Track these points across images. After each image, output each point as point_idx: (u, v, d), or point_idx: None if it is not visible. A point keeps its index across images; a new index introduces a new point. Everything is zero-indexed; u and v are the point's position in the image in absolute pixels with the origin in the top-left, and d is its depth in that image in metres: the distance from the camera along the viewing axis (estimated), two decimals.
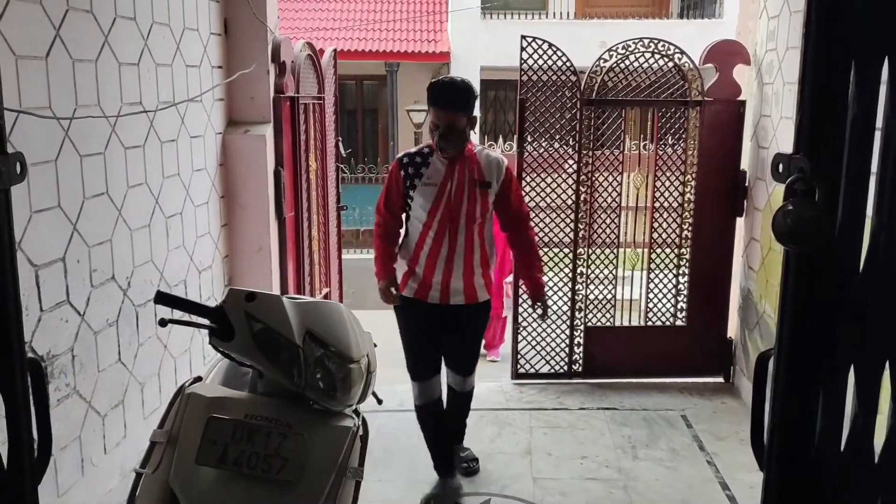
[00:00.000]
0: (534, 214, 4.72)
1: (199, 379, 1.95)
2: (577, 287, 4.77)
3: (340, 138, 5.84)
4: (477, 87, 10.39)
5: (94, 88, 2.97)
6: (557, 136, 4.68)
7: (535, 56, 4.55)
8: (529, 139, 4.68)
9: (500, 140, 9.80)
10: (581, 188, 4.68)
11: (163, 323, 1.88)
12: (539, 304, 3.37)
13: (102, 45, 3.02)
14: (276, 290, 4.60)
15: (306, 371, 1.78)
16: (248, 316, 1.80)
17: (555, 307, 4.81)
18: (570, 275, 4.77)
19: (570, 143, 4.68)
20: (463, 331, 3.34)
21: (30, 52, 2.56)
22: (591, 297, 4.80)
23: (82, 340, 2.88)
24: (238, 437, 1.69)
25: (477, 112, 3.23)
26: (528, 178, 4.71)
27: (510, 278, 6.30)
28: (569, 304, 4.79)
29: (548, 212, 4.74)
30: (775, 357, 1.20)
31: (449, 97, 3.09)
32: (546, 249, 4.78)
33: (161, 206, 3.57)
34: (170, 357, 3.70)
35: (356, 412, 1.89)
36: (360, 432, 1.89)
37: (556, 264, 4.80)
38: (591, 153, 4.65)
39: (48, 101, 2.65)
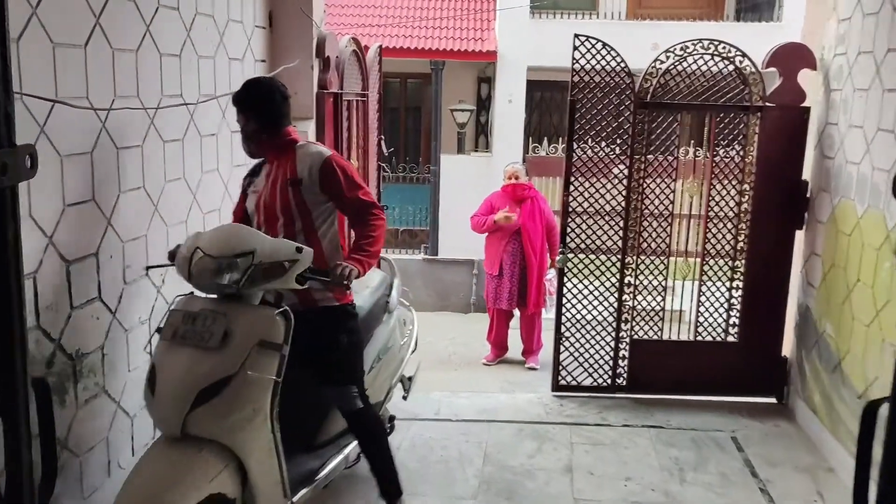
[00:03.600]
0: (581, 220, 4.55)
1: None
2: (623, 297, 4.57)
3: (383, 137, 5.72)
4: (524, 86, 10.23)
5: (133, 79, 2.87)
6: (609, 140, 4.48)
7: (588, 56, 4.36)
8: (579, 142, 4.49)
9: (545, 142, 9.59)
10: (632, 195, 4.48)
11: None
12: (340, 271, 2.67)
13: (144, 35, 2.93)
14: None
15: (189, 268, 2.55)
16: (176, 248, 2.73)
17: (600, 318, 4.63)
18: (616, 284, 4.58)
19: (622, 146, 4.48)
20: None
21: (68, 40, 2.47)
22: (639, 307, 4.59)
23: (113, 339, 2.80)
24: (186, 321, 2.46)
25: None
26: (576, 183, 4.52)
27: (550, 275, 6.11)
28: (615, 314, 4.60)
29: (595, 217, 4.56)
30: (890, 406, 1.02)
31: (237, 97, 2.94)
32: (592, 256, 4.60)
33: (199, 201, 3.48)
34: None
35: (279, 306, 2.58)
36: (282, 318, 2.50)
37: (603, 273, 4.61)
38: (643, 158, 4.45)
39: (86, 90, 2.56)
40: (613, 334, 4.61)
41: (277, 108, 2.91)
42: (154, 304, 3.09)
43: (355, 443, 3.12)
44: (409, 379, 3.73)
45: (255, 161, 3.07)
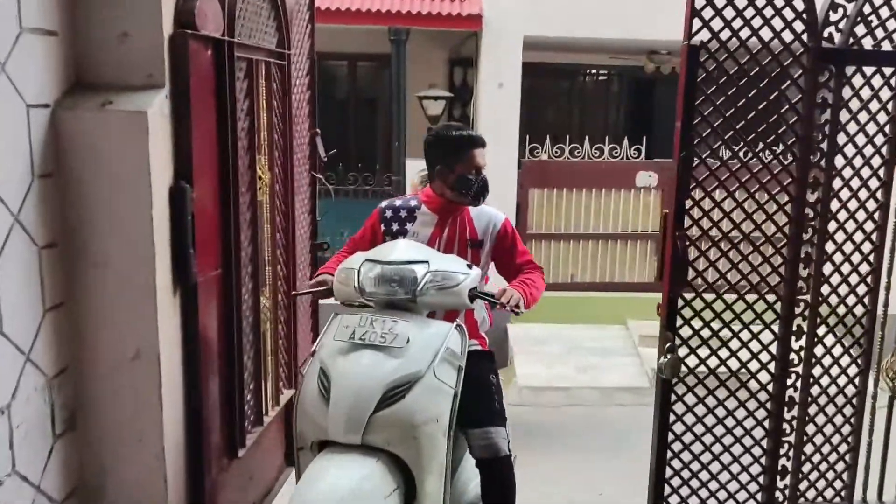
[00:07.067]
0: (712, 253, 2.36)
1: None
2: (782, 428, 2.39)
3: (319, 131, 3.46)
4: (519, 65, 7.94)
5: None
6: (758, 130, 2.30)
7: None
8: (702, 135, 2.31)
9: (548, 143, 7.34)
10: (803, 225, 2.31)
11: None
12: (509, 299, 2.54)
13: None
14: (178, 444, 2.26)
15: (359, 279, 2.40)
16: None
17: (735, 467, 2.45)
18: (765, 400, 2.40)
19: (786, 136, 2.32)
20: None
21: None
22: (809, 447, 2.43)
23: None
24: (363, 324, 2.30)
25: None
26: (698, 194, 2.34)
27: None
28: (764, 460, 2.42)
29: (719, 252, 2.39)
30: None
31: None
32: (727, 297, 2.41)
33: None
34: None
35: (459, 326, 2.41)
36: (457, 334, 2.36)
37: (744, 374, 2.41)
38: (822, 154, 2.29)
39: None
40: (764, 496, 2.43)
41: None
42: None
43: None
44: None
45: (398, 203, 2.84)
